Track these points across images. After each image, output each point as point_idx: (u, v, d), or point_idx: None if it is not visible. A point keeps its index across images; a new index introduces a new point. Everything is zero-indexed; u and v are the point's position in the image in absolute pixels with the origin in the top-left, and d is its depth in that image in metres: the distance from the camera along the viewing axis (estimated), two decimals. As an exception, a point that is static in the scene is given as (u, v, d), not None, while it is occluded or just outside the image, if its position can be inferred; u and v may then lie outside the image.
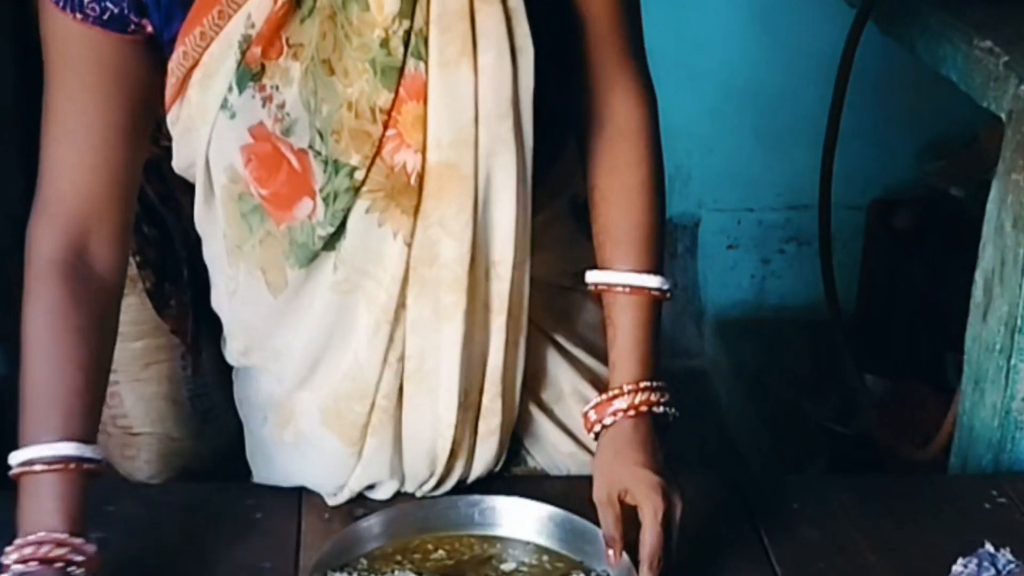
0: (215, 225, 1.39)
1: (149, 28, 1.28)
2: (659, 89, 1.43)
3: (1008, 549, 1.27)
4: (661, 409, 1.38)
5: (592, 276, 1.42)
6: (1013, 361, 1.68)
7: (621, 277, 1.40)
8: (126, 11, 1.26)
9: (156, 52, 1.30)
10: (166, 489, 1.73)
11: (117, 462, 2.17)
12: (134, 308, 2.09)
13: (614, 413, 1.37)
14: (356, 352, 1.36)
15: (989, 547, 1.25)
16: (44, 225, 1.31)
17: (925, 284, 2.70)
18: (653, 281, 1.40)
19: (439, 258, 1.32)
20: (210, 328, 2.05)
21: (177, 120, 1.33)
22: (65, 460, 1.25)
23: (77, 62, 1.28)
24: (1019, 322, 1.67)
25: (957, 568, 1.24)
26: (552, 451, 1.55)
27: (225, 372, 1.63)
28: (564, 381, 1.55)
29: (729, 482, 1.57)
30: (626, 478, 1.32)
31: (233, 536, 1.42)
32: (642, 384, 1.37)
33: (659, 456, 1.35)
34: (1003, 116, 1.72)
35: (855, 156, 2.84)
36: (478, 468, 1.47)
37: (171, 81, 1.29)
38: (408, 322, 1.36)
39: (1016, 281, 1.66)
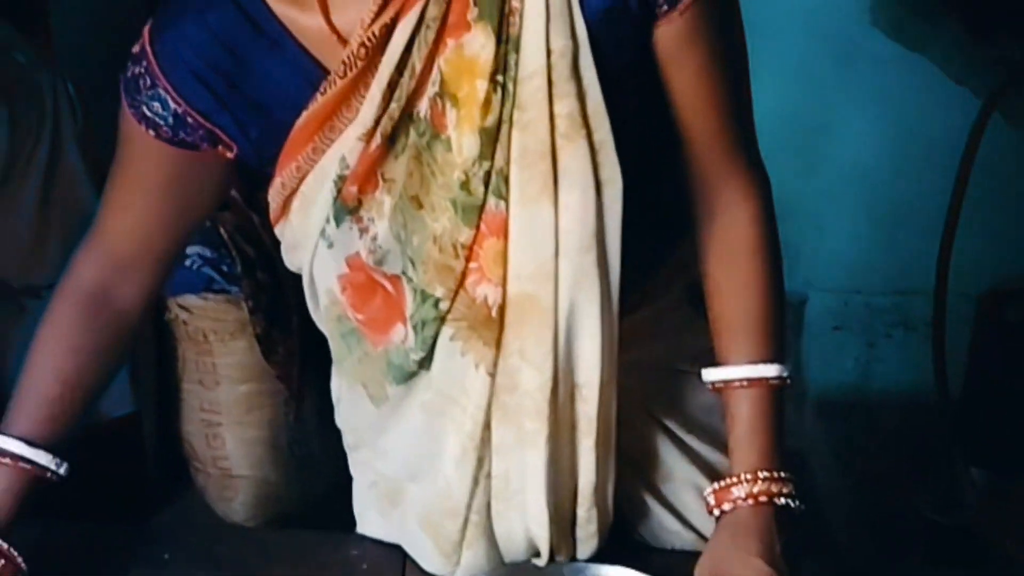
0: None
1: (229, 155, 1.31)
2: (774, 169, 1.41)
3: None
4: (783, 501, 1.34)
5: (709, 375, 1.39)
6: None
7: (738, 371, 1.36)
8: (199, 142, 1.30)
9: (236, 164, 1.34)
10: (275, 533, 1.74)
11: (215, 503, 2.20)
12: (242, 352, 2.13)
13: (733, 500, 1.34)
14: (446, 473, 1.37)
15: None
16: (84, 254, 1.38)
17: (1037, 378, 2.65)
18: (771, 370, 1.36)
19: (520, 387, 1.32)
20: (314, 376, 2.08)
21: (282, 236, 1.37)
22: (10, 455, 1.32)
23: (141, 163, 1.34)
24: None
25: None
26: (658, 530, 1.54)
27: (326, 419, 1.65)
28: (675, 466, 1.53)
29: (829, 572, 1.54)
30: (736, 564, 1.30)
31: (337, 585, 1.42)
32: (761, 474, 1.34)
33: (776, 549, 1.31)
34: None
35: (969, 245, 2.80)
36: (581, 557, 1.44)
37: (273, 206, 1.33)
38: (493, 445, 1.36)
39: None
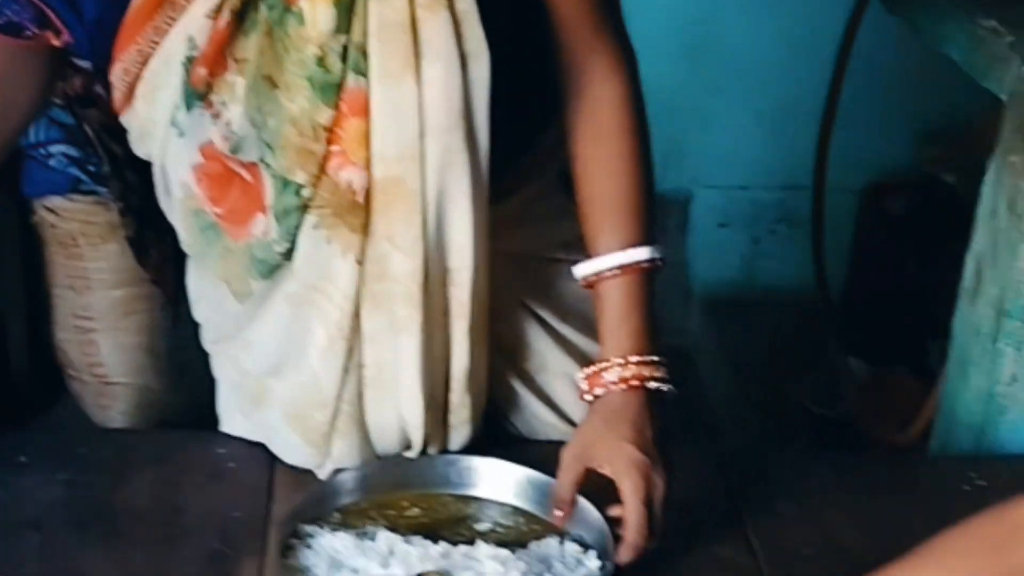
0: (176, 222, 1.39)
1: (56, 42, 1.26)
2: (658, 62, 1.40)
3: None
4: (656, 384, 1.35)
5: (580, 270, 1.39)
6: (999, 344, 1.67)
7: (609, 260, 1.36)
8: (26, 24, 1.25)
9: (64, 58, 1.29)
10: (138, 434, 1.71)
11: (92, 411, 2.15)
12: (115, 255, 2.07)
13: (605, 385, 1.34)
14: (313, 364, 1.35)
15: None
16: None
17: (914, 270, 2.69)
18: (643, 254, 1.36)
19: (390, 273, 1.31)
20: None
21: (129, 125, 1.32)
22: None
23: None
24: (1007, 306, 1.65)
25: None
26: (532, 420, 1.54)
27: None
28: (548, 355, 1.53)
29: (710, 457, 1.56)
30: (608, 451, 1.30)
31: (204, 484, 1.40)
32: (634, 358, 1.34)
33: (648, 433, 1.32)
34: (1004, 97, 1.70)
35: (852, 139, 2.82)
36: (454, 447, 1.45)
37: (116, 94, 1.28)
38: (364, 334, 1.34)
39: (1007, 264, 1.65)
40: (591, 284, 1.38)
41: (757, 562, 1.37)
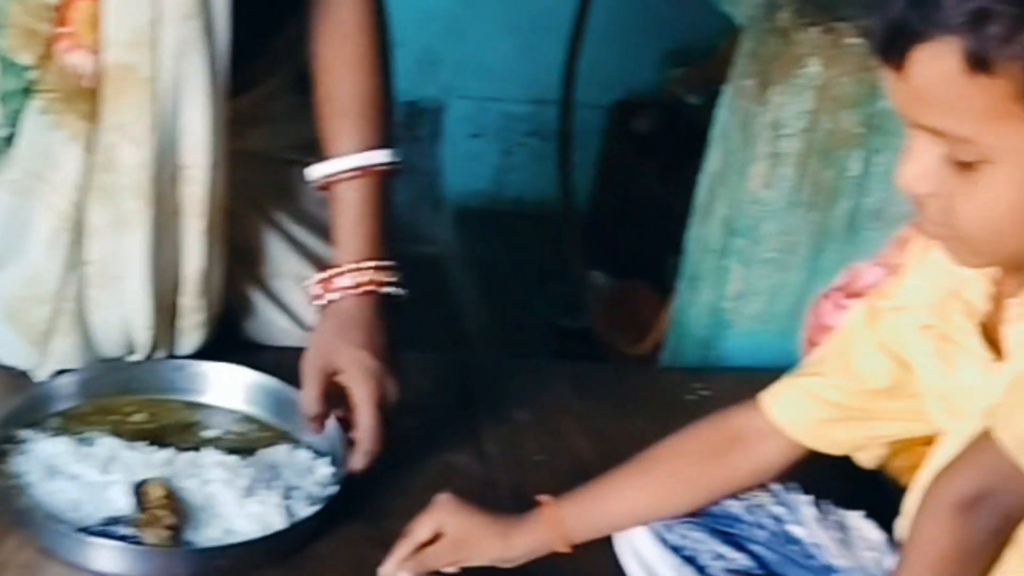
0: None
1: None
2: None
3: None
4: (389, 289, 1.34)
5: (316, 171, 1.36)
6: (727, 262, 1.74)
7: (346, 162, 1.34)
8: None
9: None
10: None
11: None
12: None
13: (338, 290, 1.32)
14: (35, 257, 1.30)
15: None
16: None
17: (657, 188, 2.77)
18: (380, 156, 1.35)
19: (118, 164, 1.26)
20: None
21: None
22: None
23: None
24: (737, 224, 1.72)
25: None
26: (266, 326, 1.51)
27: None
28: (283, 259, 1.51)
29: (450, 364, 1.58)
30: (342, 358, 1.29)
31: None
32: (368, 263, 1.33)
33: (381, 338, 1.31)
34: (740, 22, 1.75)
35: (601, 56, 2.86)
36: (183, 352, 1.41)
37: None
38: (89, 228, 1.29)
39: (737, 184, 1.71)
40: (326, 186, 1.36)
41: (490, 469, 1.39)
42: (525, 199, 3.07)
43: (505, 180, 3.11)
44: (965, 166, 0.92)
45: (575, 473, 1.38)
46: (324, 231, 1.46)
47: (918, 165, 0.95)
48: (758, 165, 1.69)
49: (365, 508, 1.29)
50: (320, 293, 1.34)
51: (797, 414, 1.18)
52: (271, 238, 1.50)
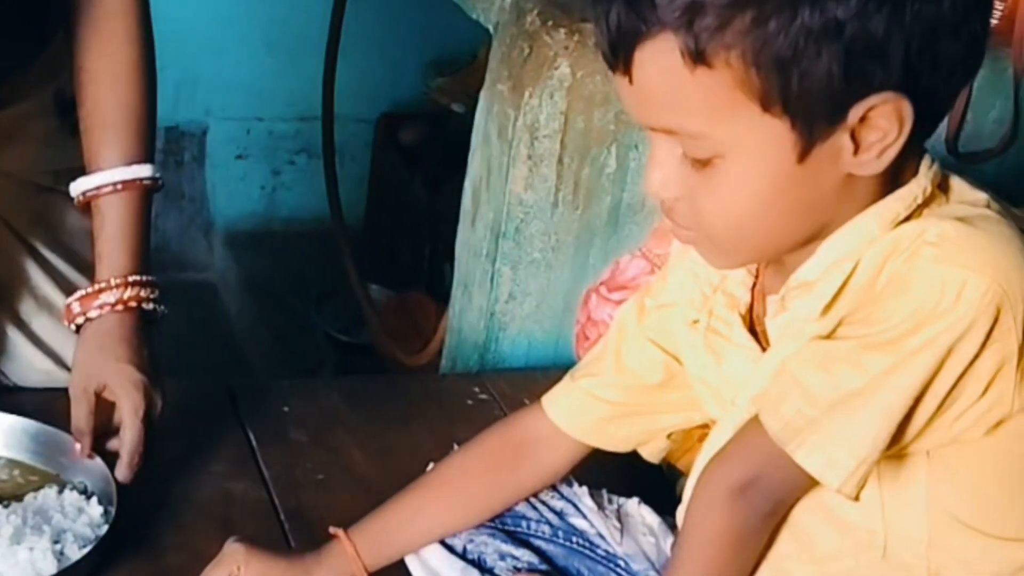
0: None
1: None
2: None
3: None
4: (151, 306, 1.33)
5: (78, 186, 1.33)
6: (497, 265, 1.76)
7: (110, 175, 1.32)
8: None
9: None
10: None
11: None
12: None
13: (100, 307, 1.31)
14: None
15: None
16: None
17: (428, 197, 2.78)
18: (144, 171, 1.34)
19: None
20: None
21: None
22: None
23: None
24: (503, 227, 1.74)
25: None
26: (28, 368, 1.46)
27: None
28: (41, 291, 1.45)
29: (221, 387, 1.55)
30: (107, 373, 1.28)
31: None
32: (131, 278, 1.32)
33: (144, 352, 1.31)
34: (491, 28, 1.78)
35: (362, 70, 2.86)
36: None
37: None
38: None
39: (500, 188, 1.73)
40: (88, 202, 1.34)
41: (269, 493, 1.37)
42: (297, 218, 3.04)
43: (275, 200, 3.07)
44: (703, 164, 0.94)
45: (354, 489, 1.38)
46: (80, 263, 1.41)
47: (660, 170, 0.96)
48: (518, 168, 1.71)
49: (142, 544, 1.26)
50: (80, 311, 1.31)
51: (578, 416, 1.19)
52: (29, 268, 1.44)
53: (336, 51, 2.40)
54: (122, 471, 1.26)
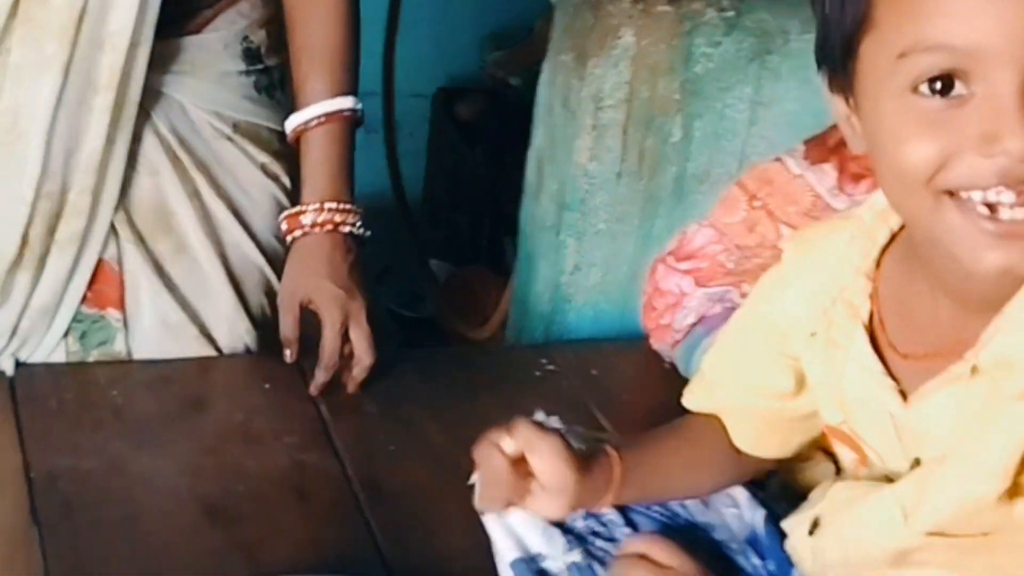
0: None
1: None
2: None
3: (557, 416, 1.32)
4: (348, 228, 1.46)
5: (289, 123, 1.47)
6: (562, 237, 1.75)
7: (317, 109, 1.45)
8: None
9: None
10: None
11: None
12: None
13: (301, 227, 1.45)
14: None
15: (540, 414, 1.30)
16: None
17: (487, 172, 2.79)
18: (348, 103, 1.47)
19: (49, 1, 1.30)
20: None
21: None
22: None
23: None
24: (567, 199, 1.74)
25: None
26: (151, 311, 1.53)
27: None
28: (186, 237, 1.53)
29: (290, 365, 1.56)
30: (310, 288, 1.44)
31: None
32: (327, 205, 1.44)
33: (344, 270, 1.45)
34: (552, 0, 1.77)
35: (419, 45, 2.86)
36: (43, 291, 1.43)
37: None
38: (10, 68, 1.33)
39: (565, 159, 1.72)
40: (298, 136, 1.47)
41: (342, 463, 1.38)
42: (357, 193, 3.04)
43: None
44: None
45: (427, 460, 1.38)
46: (241, 217, 1.53)
47: None
48: (582, 138, 1.71)
49: (217, 516, 1.27)
50: (287, 229, 1.46)
51: (760, 443, 1.19)
52: (181, 206, 1.51)
53: (395, 27, 2.41)
54: (316, 379, 1.44)
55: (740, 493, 1.21)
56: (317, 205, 1.44)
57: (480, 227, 2.74)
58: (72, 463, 1.29)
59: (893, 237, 1.05)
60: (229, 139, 1.53)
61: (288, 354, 1.46)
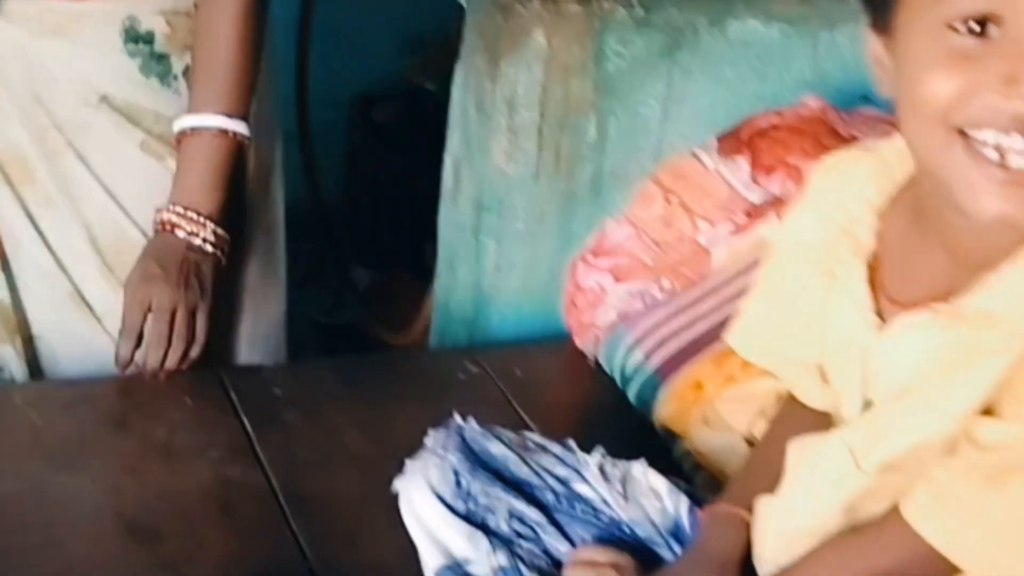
0: None
1: None
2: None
3: (473, 419, 1.31)
4: (184, 235, 1.49)
5: (177, 124, 1.50)
6: (481, 239, 1.75)
7: (201, 120, 1.49)
8: None
9: None
10: None
11: None
12: None
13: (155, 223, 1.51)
14: None
15: (456, 417, 1.30)
16: None
17: (406, 176, 2.77)
18: (231, 124, 1.50)
19: None
20: None
21: None
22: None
23: None
24: (485, 200, 1.74)
25: (428, 440, 1.28)
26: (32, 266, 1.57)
27: None
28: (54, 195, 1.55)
29: (210, 374, 1.54)
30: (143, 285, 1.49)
31: None
32: (178, 208, 1.49)
33: (174, 272, 1.48)
34: (463, 3, 1.77)
35: (335, 53, 2.84)
36: None
37: None
38: None
39: (481, 161, 1.72)
40: (179, 139, 1.51)
41: (267, 476, 1.37)
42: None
43: (251, 186, 3.05)
44: None
45: (353, 468, 1.37)
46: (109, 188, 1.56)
47: None
48: (498, 140, 1.71)
49: (140, 532, 1.25)
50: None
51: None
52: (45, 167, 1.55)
53: (307, 34, 2.39)
54: (121, 351, 1.49)
55: (661, 484, 1.22)
56: (171, 205, 1.49)
57: (400, 232, 2.73)
58: (-10, 488, 1.27)
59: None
60: (96, 109, 1.54)
61: (122, 346, 1.47)
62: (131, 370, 1.47)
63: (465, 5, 1.77)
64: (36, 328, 1.58)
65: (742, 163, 1.53)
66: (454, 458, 1.22)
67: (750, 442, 1.32)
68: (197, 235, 1.50)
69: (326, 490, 1.34)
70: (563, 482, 1.22)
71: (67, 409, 1.42)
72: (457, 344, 1.82)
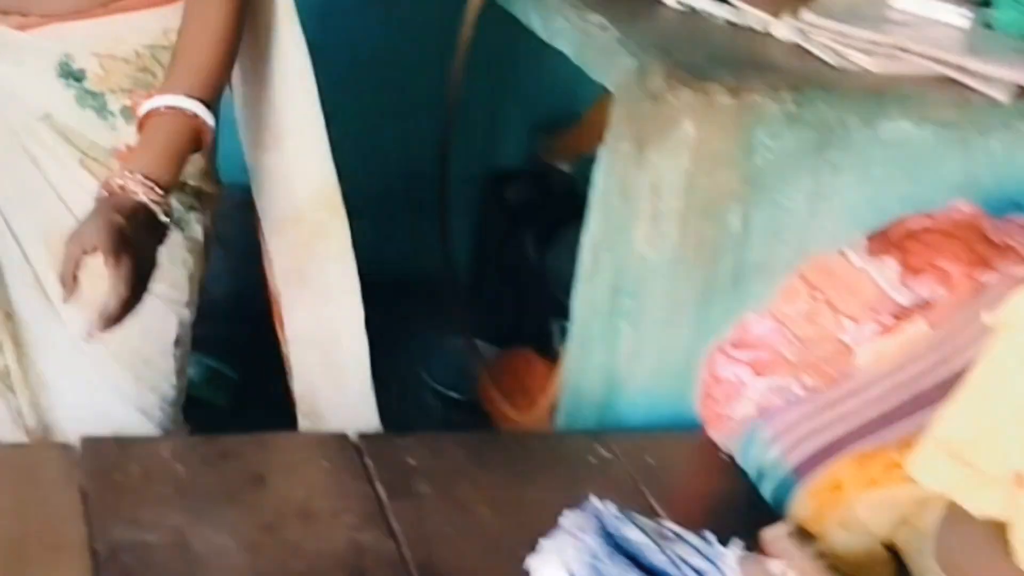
0: None
1: None
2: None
3: (611, 502, 1.31)
4: (140, 199, 1.50)
5: (143, 107, 1.55)
6: (617, 322, 1.76)
7: (165, 100, 1.54)
8: None
9: None
10: None
11: None
12: None
13: (107, 186, 1.51)
14: None
15: (594, 500, 1.30)
16: None
17: (534, 255, 2.80)
18: (197, 107, 1.55)
19: None
20: None
21: None
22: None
23: None
24: (623, 284, 1.74)
25: (564, 521, 1.28)
26: None
27: None
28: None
29: (342, 440, 1.56)
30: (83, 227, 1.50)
31: None
32: (137, 175, 1.50)
33: (124, 229, 1.48)
34: (612, 88, 1.79)
35: (471, 130, 2.89)
36: None
37: None
38: None
39: (621, 245, 1.73)
40: (142, 122, 1.56)
41: (399, 545, 1.38)
42: (403, 271, 3.06)
43: (382, 254, 3.10)
44: None
45: (481, 544, 1.38)
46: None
47: None
48: (640, 226, 1.72)
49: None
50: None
51: None
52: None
53: (453, 113, 2.44)
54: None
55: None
56: (128, 172, 1.51)
57: (527, 309, 2.75)
58: (134, 536, 1.30)
59: None
60: (42, 122, 1.64)
61: (64, 294, 1.49)
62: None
63: (614, 91, 1.80)
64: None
65: (891, 264, 1.52)
66: (591, 540, 1.22)
67: (889, 548, 1.30)
68: (150, 200, 1.51)
69: (457, 564, 1.34)
70: (700, 574, 1.21)
71: (209, 464, 1.45)
72: (586, 427, 1.82)
